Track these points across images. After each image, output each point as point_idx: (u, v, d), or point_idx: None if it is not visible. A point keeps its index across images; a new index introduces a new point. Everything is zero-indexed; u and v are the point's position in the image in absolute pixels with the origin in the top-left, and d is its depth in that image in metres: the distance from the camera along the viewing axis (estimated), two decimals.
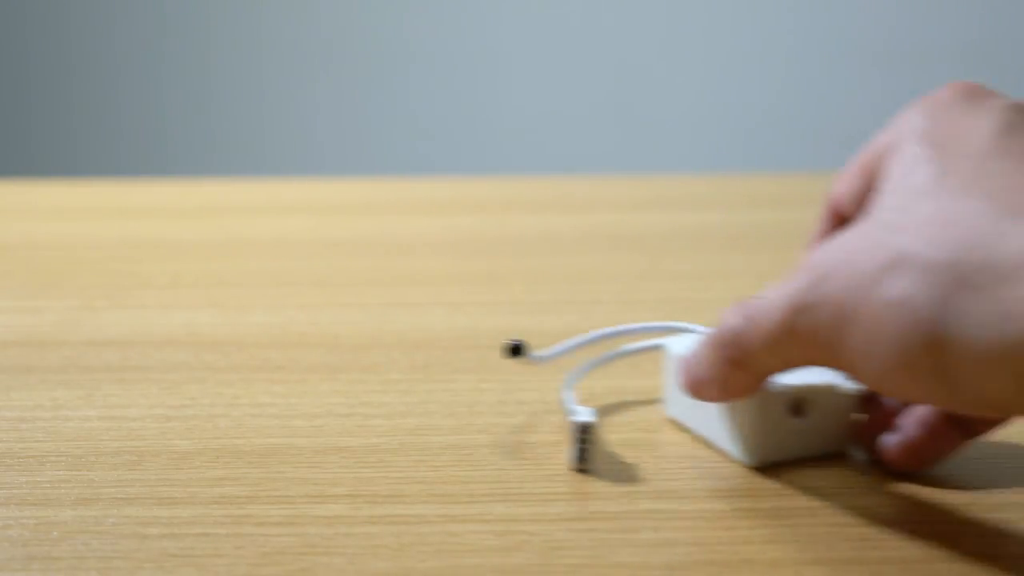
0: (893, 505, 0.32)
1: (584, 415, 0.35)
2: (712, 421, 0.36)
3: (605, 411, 0.40)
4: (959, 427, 0.34)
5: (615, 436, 0.37)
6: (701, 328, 0.38)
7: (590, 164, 1.90)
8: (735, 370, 0.33)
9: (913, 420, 0.34)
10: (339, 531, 0.31)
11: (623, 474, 0.35)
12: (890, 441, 0.34)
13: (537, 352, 0.38)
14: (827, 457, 0.35)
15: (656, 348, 0.40)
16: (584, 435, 0.35)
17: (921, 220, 0.28)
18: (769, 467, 0.35)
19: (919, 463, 0.34)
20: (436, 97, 2.02)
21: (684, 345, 0.37)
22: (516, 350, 0.36)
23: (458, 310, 0.52)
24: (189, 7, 2.04)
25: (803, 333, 0.30)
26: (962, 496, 0.33)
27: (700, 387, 0.34)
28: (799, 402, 0.35)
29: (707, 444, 0.37)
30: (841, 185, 0.35)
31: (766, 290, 0.31)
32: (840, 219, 0.35)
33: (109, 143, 2.09)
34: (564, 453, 0.36)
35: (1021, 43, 1.86)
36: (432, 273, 0.59)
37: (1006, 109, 0.30)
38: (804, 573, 0.29)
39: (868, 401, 0.35)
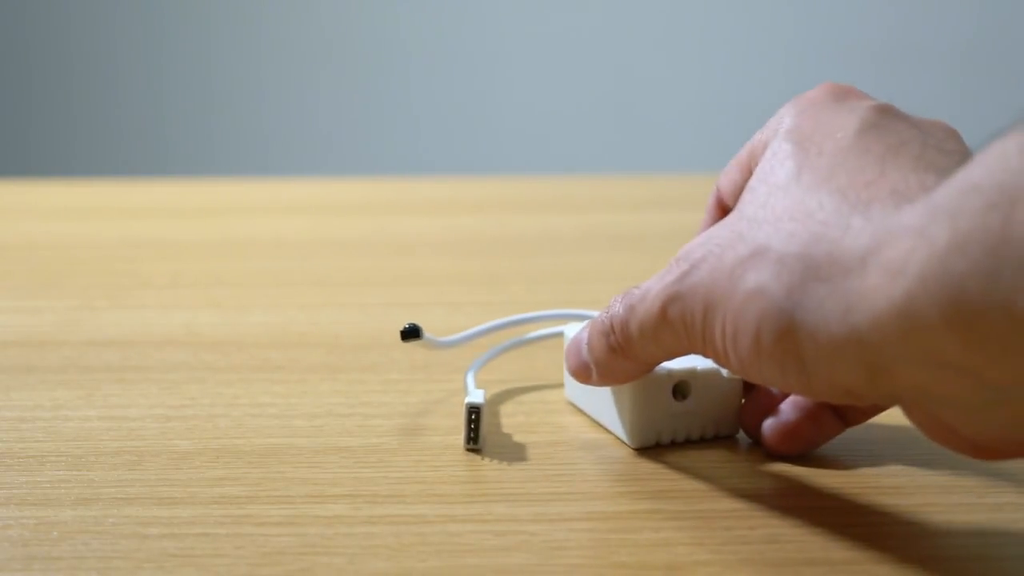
0: (880, 506, 0.32)
1: (474, 397, 0.36)
2: (601, 404, 0.37)
3: (509, 394, 0.41)
4: (836, 414, 0.35)
5: (514, 419, 0.39)
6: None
7: (590, 164, 1.90)
8: (617, 356, 0.34)
9: (791, 405, 0.35)
10: (339, 531, 0.31)
11: (516, 455, 0.36)
12: (768, 425, 0.35)
13: (443, 338, 0.39)
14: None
15: (559, 334, 0.41)
16: (472, 416, 0.36)
17: (778, 214, 0.30)
18: (652, 448, 0.36)
19: (796, 447, 0.35)
20: (436, 97, 2.02)
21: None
22: (408, 334, 0.37)
23: (458, 310, 0.52)
24: (189, 7, 2.04)
25: (675, 322, 0.31)
26: (910, 495, 0.33)
27: (584, 371, 0.36)
28: (682, 385, 0.36)
29: (599, 426, 0.38)
30: (724, 179, 0.36)
31: (646, 281, 0.33)
32: (725, 211, 0.37)
33: (109, 143, 2.09)
34: (565, 453, 0.36)
35: (1021, 43, 1.86)
36: (432, 273, 0.59)
37: (868, 110, 0.31)
38: (804, 573, 0.29)
39: (750, 386, 0.37)
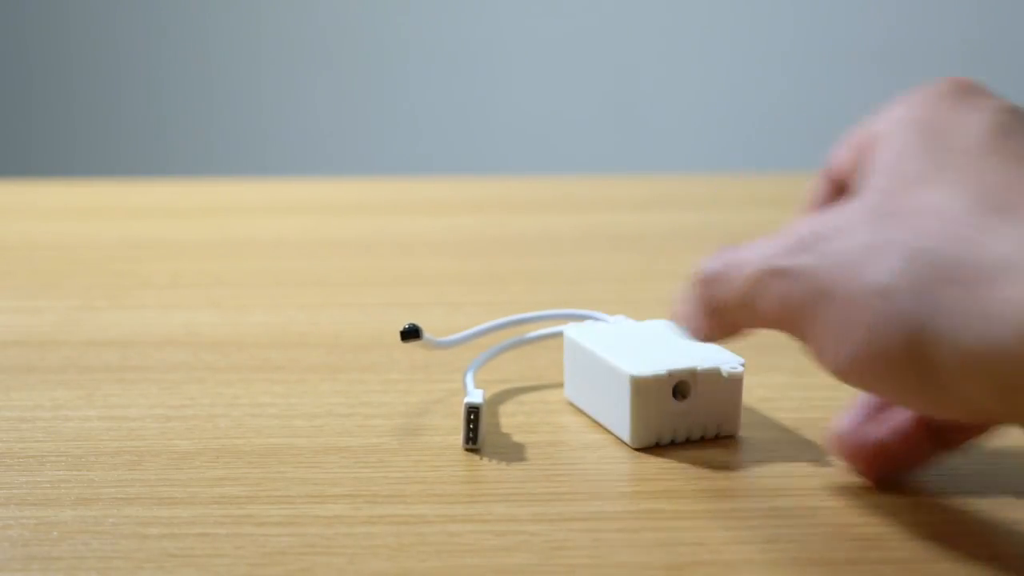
0: (880, 505, 0.32)
1: (473, 397, 0.36)
2: (601, 404, 0.37)
3: (509, 394, 0.41)
4: (935, 437, 0.32)
5: (514, 419, 0.39)
6: (602, 316, 0.40)
7: (590, 164, 1.90)
8: (708, 316, 0.32)
9: (887, 426, 0.32)
10: (339, 531, 0.31)
11: (516, 455, 0.36)
12: (860, 444, 0.33)
13: (442, 338, 0.39)
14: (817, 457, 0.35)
15: (559, 334, 0.41)
16: (471, 416, 0.36)
17: (911, 208, 0.27)
18: (653, 449, 0.36)
19: (889, 470, 0.33)
20: (436, 97, 2.02)
21: (582, 331, 0.39)
22: (408, 334, 0.37)
23: (458, 310, 0.52)
24: (189, 7, 2.04)
25: (772, 297, 0.29)
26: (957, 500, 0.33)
27: (682, 323, 0.33)
28: (682, 385, 0.36)
29: (599, 426, 0.38)
30: (839, 156, 0.34)
31: (748, 243, 0.31)
32: (836, 187, 0.34)
33: (109, 143, 2.09)
34: (565, 453, 0.36)
35: (1021, 43, 1.86)
36: (432, 273, 0.59)
37: (999, 110, 0.30)
38: (806, 573, 0.29)
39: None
